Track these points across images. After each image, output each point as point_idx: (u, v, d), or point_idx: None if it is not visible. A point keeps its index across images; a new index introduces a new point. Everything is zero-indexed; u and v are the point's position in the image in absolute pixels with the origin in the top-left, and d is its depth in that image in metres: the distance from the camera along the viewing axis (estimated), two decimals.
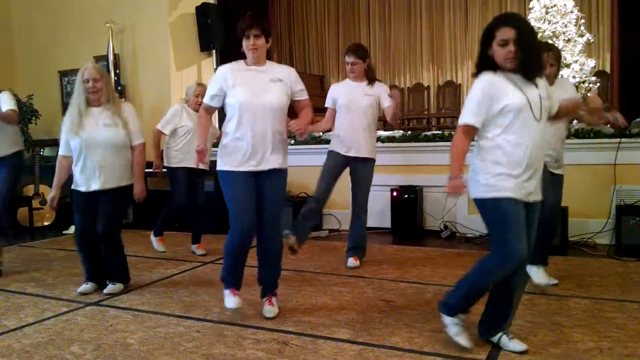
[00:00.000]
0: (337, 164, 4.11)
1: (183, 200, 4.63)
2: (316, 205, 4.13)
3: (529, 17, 6.71)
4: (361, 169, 4.09)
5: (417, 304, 3.23)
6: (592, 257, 4.32)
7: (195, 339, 2.75)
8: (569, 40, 6.61)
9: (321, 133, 6.01)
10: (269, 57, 3.06)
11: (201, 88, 4.63)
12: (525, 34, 2.32)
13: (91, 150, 3.42)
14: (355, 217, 4.17)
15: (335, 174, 4.11)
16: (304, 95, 3.13)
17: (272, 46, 3.07)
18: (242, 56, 2.99)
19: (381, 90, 4.09)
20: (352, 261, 4.14)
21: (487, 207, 2.39)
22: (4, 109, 4.09)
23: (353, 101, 4.04)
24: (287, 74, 3.06)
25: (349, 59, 4.05)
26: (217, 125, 5.52)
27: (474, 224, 5.06)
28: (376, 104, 4.07)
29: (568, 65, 6.58)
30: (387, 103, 4.05)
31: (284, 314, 3.08)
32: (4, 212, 4.30)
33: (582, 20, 7.00)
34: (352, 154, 4.05)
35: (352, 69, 4.05)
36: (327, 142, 5.13)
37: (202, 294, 3.53)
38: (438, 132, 5.82)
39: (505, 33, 2.31)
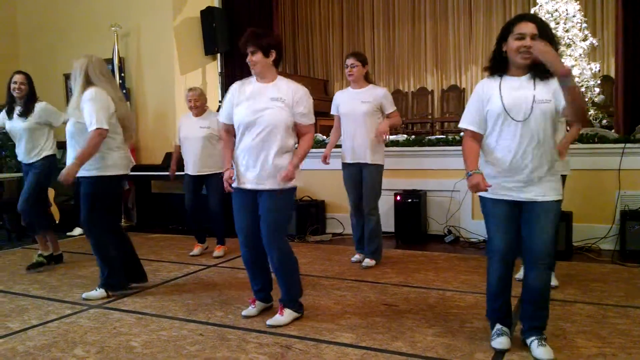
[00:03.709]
0: (350, 173, 4.24)
1: (187, 204, 4.84)
2: (355, 216, 4.31)
3: None
4: (367, 175, 4.16)
5: (420, 308, 3.22)
6: (597, 262, 4.30)
7: (198, 342, 2.75)
8: (569, 45, 6.60)
9: (325, 137, 6.02)
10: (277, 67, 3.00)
11: (191, 92, 4.79)
12: (543, 31, 2.37)
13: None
14: (365, 220, 4.25)
15: (354, 182, 4.24)
16: (304, 120, 2.97)
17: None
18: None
19: (384, 98, 4.13)
20: (367, 261, 4.25)
21: (481, 204, 2.61)
22: (58, 124, 4.39)
23: (352, 110, 4.14)
24: (291, 92, 2.94)
25: (349, 61, 4.16)
26: None
27: (478, 229, 5.05)
28: (376, 109, 4.12)
29: None
30: (390, 109, 4.15)
31: None
32: (29, 211, 4.34)
33: (585, 25, 7.01)
34: (357, 160, 4.15)
35: (350, 71, 4.14)
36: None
37: (205, 297, 3.53)
38: (442, 136, 5.80)
39: (524, 27, 2.37)
